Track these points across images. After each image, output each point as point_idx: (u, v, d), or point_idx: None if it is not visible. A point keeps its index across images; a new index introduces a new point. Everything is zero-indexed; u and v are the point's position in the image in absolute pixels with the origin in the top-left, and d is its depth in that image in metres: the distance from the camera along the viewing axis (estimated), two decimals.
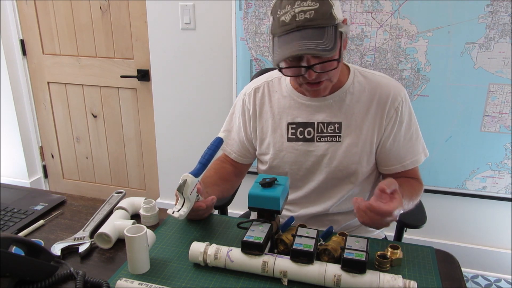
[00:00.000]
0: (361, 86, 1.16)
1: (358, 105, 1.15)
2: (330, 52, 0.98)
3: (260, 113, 1.24)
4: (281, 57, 1.00)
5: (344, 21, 1.06)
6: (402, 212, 1.01)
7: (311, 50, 0.97)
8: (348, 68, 1.19)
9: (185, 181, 0.99)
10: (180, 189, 0.99)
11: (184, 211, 1.00)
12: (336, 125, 1.16)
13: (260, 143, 1.25)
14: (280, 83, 1.23)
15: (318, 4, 0.98)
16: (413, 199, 1.14)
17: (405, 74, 1.94)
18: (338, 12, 1.02)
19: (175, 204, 1.02)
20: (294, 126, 1.19)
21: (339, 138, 1.16)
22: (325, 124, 1.17)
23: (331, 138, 1.16)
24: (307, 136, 1.18)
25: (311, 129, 1.18)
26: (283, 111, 1.21)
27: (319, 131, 1.17)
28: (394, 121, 1.15)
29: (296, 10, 0.98)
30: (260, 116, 1.24)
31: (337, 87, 1.16)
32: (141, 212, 1.15)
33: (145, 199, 1.16)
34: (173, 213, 1.00)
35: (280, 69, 1.07)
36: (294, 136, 1.19)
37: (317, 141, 1.17)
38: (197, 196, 1.05)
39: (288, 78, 1.21)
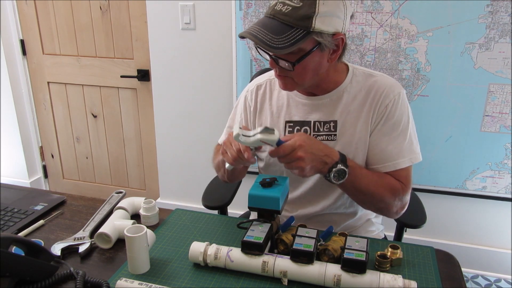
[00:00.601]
0: (359, 85, 1.16)
1: (354, 104, 1.15)
2: (275, 50, 0.97)
3: (260, 111, 1.25)
4: (240, 32, 1.03)
5: (336, 35, 1.02)
6: (339, 164, 1.02)
7: (256, 38, 0.98)
8: (347, 67, 1.19)
9: (274, 132, 0.97)
10: (266, 131, 0.96)
11: (248, 140, 0.97)
12: (332, 124, 1.16)
13: None
14: None
15: (301, 4, 0.97)
16: (372, 188, 1.09)
17: (405, 74, 1.94)
18: (326, 23, 0.99)
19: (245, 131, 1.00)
20: (292, 124, 1.19)
21: (334, 137, 1.16)
22: (321, 123, 1.17)
23: (326, 137, 1.16)
24: None
25: (307, 128, 1.18)
26: (281, 109, 1.21)
27: (316, 129, 1.17)
28: (381, 117, 1.13)
29: (280, 0, 1.00)
30: (260, 114, 1.25)
31: (333, 86, 1.16)
32: (141, 212, 1.15)
33: (145, 199, 1.16)
34: (240, 128, 0.97)
35: (256, 47, 1.08)
36: None
37: None
38: (253, 150, 1.04)
39: None
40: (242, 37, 1.03)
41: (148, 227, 1.03)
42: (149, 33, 2.29)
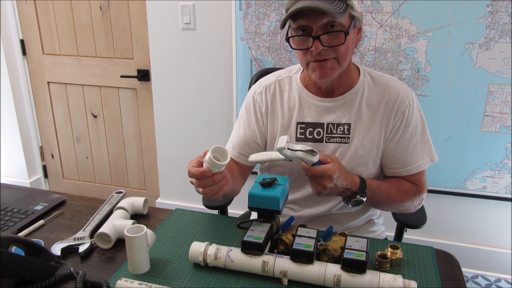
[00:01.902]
0: (370, 88, 1.16)
1: (367, 107, 1.15)
2: (340, 15, 0.99)
3: (272, 112, 1.23)
4: (290, 11, 1.01)
5: (361, 14, 1.09)
6: (358, 195, 1.07)
7: (321, 7, 0.98)
8: (358, 69, 1.19)
9: (316, 155, 1.00)
10: (310, 152, 0.99)
11: (287, 153, 0.98)
12: (346, 127, 1.16)
13: (270, 141, 1.24)
14: (291, 82, 1.22)
15: None
16: (392, 200, 1.16)
17: (405, 74, 1.94)
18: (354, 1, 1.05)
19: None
20: (304, 126, 1.19)
21: (348, 139, 1.16)
22: (335, 125, 1.17)
23: (340, 140, 1.16)
24: (316, 137, 1.18)
25: (320, 130, 1.17)
26: (293, 110, 1.20)
27: (329, 131, 1.17)
28: (399, 124, 1.14)
29: None
30: (272, 115, 1.23)
31: (348, 87, 1.16)
32: (208, 157, 0.92)
33: (215, 147, 0.94)
34: (287, 142, 0.98)
35: (288, 39, 1.07)
36: (303, 136, 1.19)
37: (326, 142, 1.17)
38: (286, 160, 1.04)
39: (299, 77, 1.21)
40: (287, 18, 1.03)
41: (148, 227, 1.03)
42: (149, 33, 2.29)
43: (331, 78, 1.10)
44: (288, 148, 0.97)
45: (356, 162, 1.15)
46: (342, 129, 1.16)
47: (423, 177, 1.20)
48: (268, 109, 1.23)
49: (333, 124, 1.17)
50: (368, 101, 1.16)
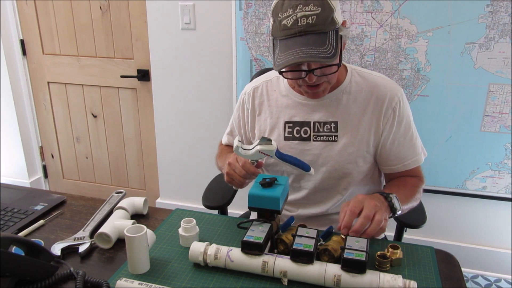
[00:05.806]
0: (358, 86, 1.17)
1: (355, 105, 1.16)
2: (332, 59, 0.98)
3: (259, 112, 1.25)
4: (283, 63, 1.00)
5: (344, 23, 1.05)
6: (397, 212, 1.05)
7: (314, 58, 0.97)
8: (345, 67, 1.20)
9: (271, 142, 1.01)
10: (263, 141, 1.00)
11: (248, 153, 1.01)
12: (333, 125, 1.16)
13: None
14: (279, 82, 1.24)
15: (320, 8, 0.97)
16: (411, 199, 1.16)
17: (405, 74, 1.94)
18: (339, 15, 1.02)
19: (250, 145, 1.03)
20: (291, 125, 1.20)
21: (335, 137, 1.16)
22: (321, 124, 1.17)
23: (327, 138, 1.17)
24: (303, 135, 1.18)
25: (307, 128, 1.18)
26: (281, 110, 1.21)
27: (316, 130, 1.17)
28: (392, 121, 1.15)
29: (298, 15, 0.98)
30: (259, 115, 1.25)
31: (334, 86, 1.17)
32: (180, 232, 1.04)
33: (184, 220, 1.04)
34: (239, 142, 1.01)
35: (281, 72, 1.08)
36: (290, 135, 1.20)
37: (313, 140, 1.18)
38: (255, 162, 1.05)
39: None
40: (281, 70, 1.04)
41: (148, 227, 1.03)
42: (149, 33, 2.29)
43: (324, 96, 1.15)
44: (242, 148, 1.00)
45: (345, 159, 1.16)
46: (328, 127, 1.17)
47: (421, 168, 1.24)
48: (255, 110, 1.26)
49: (319, 123, 1.17)
50: (356, 99, 1.16)
